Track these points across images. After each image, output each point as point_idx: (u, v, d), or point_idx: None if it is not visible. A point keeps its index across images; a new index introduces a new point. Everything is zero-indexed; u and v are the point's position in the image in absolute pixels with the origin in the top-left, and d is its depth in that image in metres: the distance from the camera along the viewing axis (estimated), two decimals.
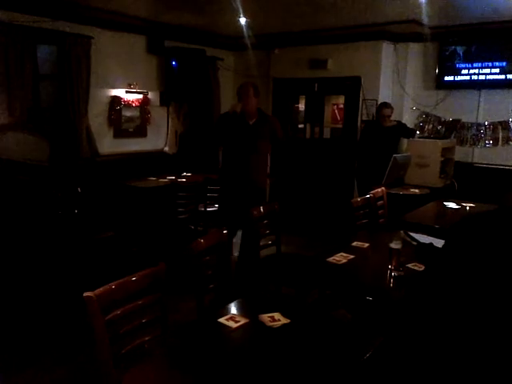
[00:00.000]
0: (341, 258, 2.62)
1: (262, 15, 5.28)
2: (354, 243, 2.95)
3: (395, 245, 2.40)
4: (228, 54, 7.14)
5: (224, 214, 4.12)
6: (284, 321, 1.83)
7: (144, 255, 4.39)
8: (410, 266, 2.50)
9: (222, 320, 1.85)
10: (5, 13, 4.53)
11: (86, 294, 1.71)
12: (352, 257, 2.65)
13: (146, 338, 1.86)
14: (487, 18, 5.04)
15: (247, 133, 3.78)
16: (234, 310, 2.02)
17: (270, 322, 1.82)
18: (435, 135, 5.87)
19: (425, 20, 5.03)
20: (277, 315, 1.86)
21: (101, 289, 1.75)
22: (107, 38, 5.52)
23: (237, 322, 1.83)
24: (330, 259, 2.59)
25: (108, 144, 5.76)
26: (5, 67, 4.59)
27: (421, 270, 2.46)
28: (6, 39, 4.54)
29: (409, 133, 5.59)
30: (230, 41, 6.77)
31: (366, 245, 2.92)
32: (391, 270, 2.38)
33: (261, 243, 3.25)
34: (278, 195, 6.45)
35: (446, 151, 5.50)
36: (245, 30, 5.70)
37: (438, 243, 2.83)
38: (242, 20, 5.32)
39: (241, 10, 4.82)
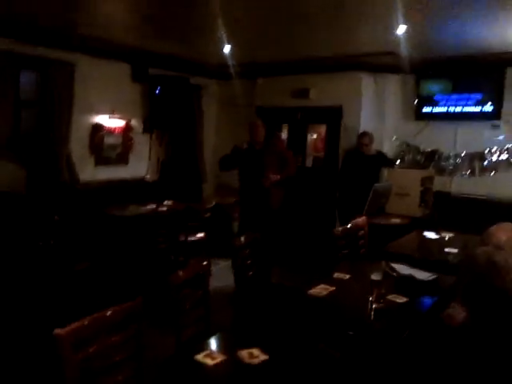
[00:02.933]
0: (322, 289, 2.59)
1: (247, 45, 5.37)
2: (335, 274, 2.93)
3: (376, 276, 2.39)
4: (212, 83, 7.22)
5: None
6: (263, 357, 1.78)
7: (122, 287, 4.27)
8: (390, 297, 2.48)
9: (198, 357, 1.79)
10: None
11: (56, 332, 1.65)
12: (333, 289, 2.63)
13: (120, 378, 1.79)
14: (463, 51, 5.22)
15: (255, 157, 4.50)
16: (212, 345, 1.97)
17: (249, 358, 1.77)
18: (415, 165, 5.97)
19: (402, 53, 5.18)
20: (256, 351, 1.81)
21: (72, 325, 1.69)
22: (91, 65, 5.52)
23: (214, 359, 1.77)
24: (311, 291, 2.56)
25: (89, 171, 5.69)
26: None
27: (401, 301, 2.45)
28: None
29: (389, 162, 5.68)
30: (214, 69, 6.85)
31: (347, 276, 2.91)
32: (372, 302, 2.37)
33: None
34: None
35: (426, 181, 5.59)
36: (229, 59, 5.78)
37: (419, 275, 2.85)
38: (227, 49, 5.41)
39: (225, 40, 4.91)
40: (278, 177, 4.42)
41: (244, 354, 1.79)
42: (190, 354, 1.82)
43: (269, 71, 6.52)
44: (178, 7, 4.06)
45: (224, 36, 4.70)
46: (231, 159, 4.67)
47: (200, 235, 5.36)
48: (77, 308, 3.05)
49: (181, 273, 2.43)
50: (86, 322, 1.72)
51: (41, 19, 4.62)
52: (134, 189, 6.09)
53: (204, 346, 1.93)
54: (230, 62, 5.91)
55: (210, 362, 1.75)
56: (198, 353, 1.82)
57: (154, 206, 5.49)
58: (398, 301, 2.45)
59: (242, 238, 3.35)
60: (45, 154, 5.15)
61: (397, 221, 5.02)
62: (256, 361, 1.76)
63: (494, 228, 2.38)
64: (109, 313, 1.80)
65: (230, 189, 5.87)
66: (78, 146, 5.54)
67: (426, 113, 5.93)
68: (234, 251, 3.26)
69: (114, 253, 4.71)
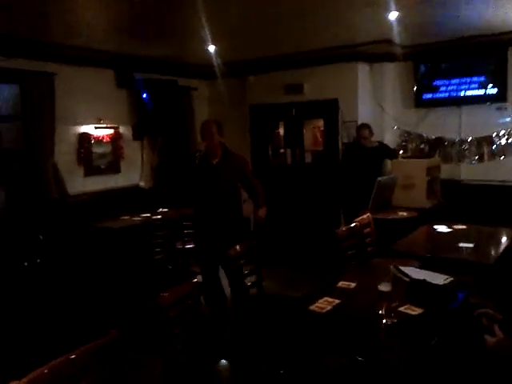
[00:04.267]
0: (325, 304, 2.31)
1: (234, 43, 5.12)
2: (340, 283, 2.65)
3: (384, 287, 2.11)
4: (201, 83, 6.96)
5: (201, 254, 3.86)
6: None
7: (117, 305, 3.99)
8: (402, 309, 2.20)
9: None
10: None
11: None
12: (337, 302, 2.35)
13: None
14: (460, 34, 4.95)
15: (211, 173, 3.65)
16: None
17: None
18: (419, 154, 5.68)
19: (397, 40, 4.91)
20: None
21: (31, 375, 1.44)
22: (72, 74, 5.28)
23: None
24: (313, 307, 2.28)
25: (79, 183, 5.46)
26: None
27: (416, 313, 2.17)
28: None
29: (391, 153, 5.40)
30: (202, 70, 6.58)
31: (353, 285, 2.62)
32: (382, 317, 2.09)
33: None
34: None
35: (432, 170, 5.28)
36: (215, 58, 5.52)
37: (433, 278, 2.57)
38: (211, 48, 5.15)
39: (209, 38, 4.65)
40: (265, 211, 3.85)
41: None
42: None
43: (259, 68, 6.27)
44: (161, 9, 3.81)
45: (209, 35, 4.44)
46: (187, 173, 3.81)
47: None
48: (68, 333, 2.79)
49: (165, 295, 2.18)
50: (46, 371, 1.46)
51: (15, 31, 4.38)
52: (128, 197, 5.87)
53: None
54: (217, 62, 5.65)
55: None
56: None
57: (148, 215, 5.25)
58: (411, 313, 2.17)
59: (238, 247, 3.10)
60: (29, 169, 4.90)
61: (404, 214, 4.73)
62: None
63: None
64: (73, 356, 1.53)
65: None
66: (65, 158, 5.31)
67: (426, 99, 5.66)
68: (229, 261, 3.02)
69: (107, 268, 4.45)
